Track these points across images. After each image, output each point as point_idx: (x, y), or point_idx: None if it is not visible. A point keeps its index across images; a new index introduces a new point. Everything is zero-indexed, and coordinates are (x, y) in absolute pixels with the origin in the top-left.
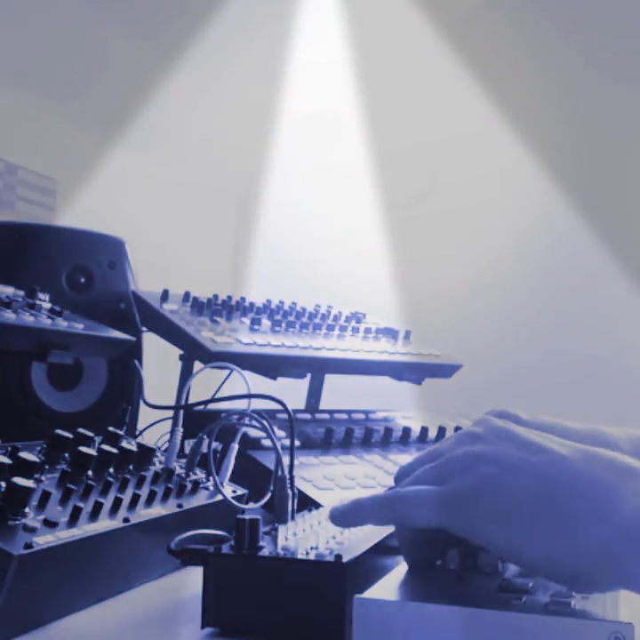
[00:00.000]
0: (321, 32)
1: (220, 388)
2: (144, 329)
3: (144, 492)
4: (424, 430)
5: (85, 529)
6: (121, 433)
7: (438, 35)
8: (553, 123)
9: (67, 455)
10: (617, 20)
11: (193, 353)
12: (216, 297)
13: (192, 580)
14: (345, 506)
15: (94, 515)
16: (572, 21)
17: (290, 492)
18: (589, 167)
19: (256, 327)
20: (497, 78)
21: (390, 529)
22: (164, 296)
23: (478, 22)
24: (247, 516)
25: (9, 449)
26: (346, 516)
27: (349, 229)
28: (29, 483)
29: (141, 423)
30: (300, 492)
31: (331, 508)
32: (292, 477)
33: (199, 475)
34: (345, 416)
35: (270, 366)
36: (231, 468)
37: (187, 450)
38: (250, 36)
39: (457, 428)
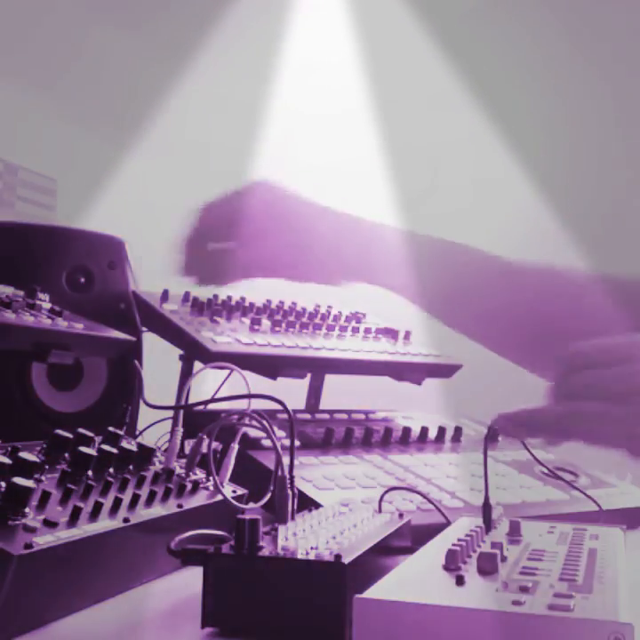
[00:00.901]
0: (325, 30)
1: (219, 387)
2: (144, 329)
3: (144, 492)
4: (424, 430)
5: (85, 529)
6: (121, 433)
7: (436, 36)
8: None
9: (67, 455)
10: (623, 29)
11: (193, 353)
12: (216, 297)
13: (192, 579)
14: (516, 414)
15: (94, 515)
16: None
17: (290, 492)
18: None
19: (256, 327)
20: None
21: (390, 529)
22: (164, 296)
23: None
24: (247, 516)
25: (9, 449)
26: (516, 427)
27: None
28: (29, 483)
29: (141, 423)
30: (300, 492)
31: (498, 416)
32: (292, 477)
33: (199, 475)
34: (345, 416)
35: (270, 366)
36: (231, 468)
37: (187, 450)
38: (251, 35)
39: (457, 429)
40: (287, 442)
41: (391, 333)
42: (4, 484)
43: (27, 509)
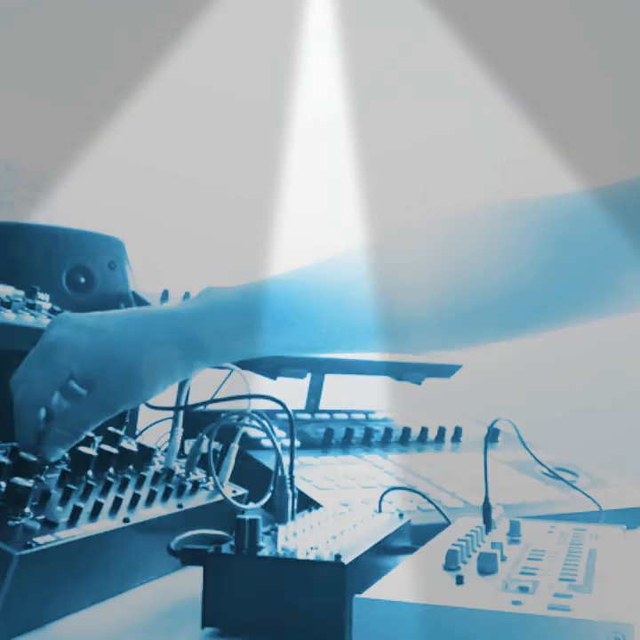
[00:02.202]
0: (320, 36)
1: (220, 388)
2: None
3: (144, 492)
4: (424, 430)
5: (85, 529)
6: (121, 433)
7: (438, 29)
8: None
9: (67, 455)
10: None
11: None
12: None
13: (192, 579)
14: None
15: (94, 515)
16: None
17: (290, 492)
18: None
19: None
20: (502, 69)
21: (390, 529)
22: (164, 296)
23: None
24: (247, 516)
25: (9, 449)
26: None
27: (349, 230)
28: (29, 483)
29: (141, 423)
30: (300, 492)
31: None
32: (291, 477)
33: (199, 475)
34: (345, 416)
35: (270, 366)
36: (231, 468)
37: (187, 450)
38: (250, 35)
39: (457, 429)
40: (287, 442)
41: None
42: (4, 484)
43: (27, 509)
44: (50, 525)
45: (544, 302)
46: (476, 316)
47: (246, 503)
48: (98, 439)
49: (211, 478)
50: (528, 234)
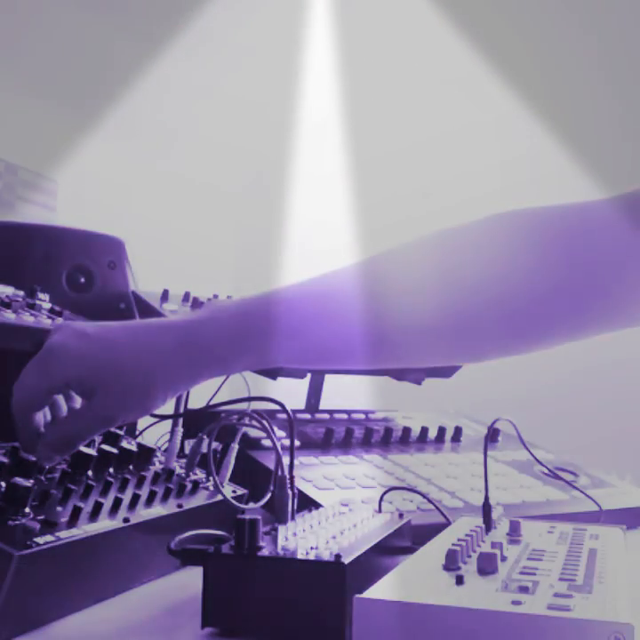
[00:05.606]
0: (315, 36)
1: (219, 388)
2: None
3: (144, 492)
4: (424, 430)
5: (85, 529)
6: (121, 433)
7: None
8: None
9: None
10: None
11: None
12: (216, 297)
13: (192, 579)
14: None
15: (94, 515)
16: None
17: (290, 492)
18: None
19: None
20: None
21: (390, 529)
22: (164, 296)
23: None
24: (247, 516)
25: (9, 449)
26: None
27: (349, 230)
28: (29, 483)
29: (141, 423)
30: (300, 492)
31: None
32: (292, 477)
33: (199, 475)
34: (345, 416)
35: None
36: (231, 468)
37: (187, 450)
38: (251, 35)
39: (457, 429)
40: (287, 442)
41: None
42: (4, 484)
43: (27, 509)
44: (50, 525)
45: (549, 322)
46: (475, 334)
47: (246, 503)
48: (98, 439)
49: (211, 478)
50: (533, 253)
